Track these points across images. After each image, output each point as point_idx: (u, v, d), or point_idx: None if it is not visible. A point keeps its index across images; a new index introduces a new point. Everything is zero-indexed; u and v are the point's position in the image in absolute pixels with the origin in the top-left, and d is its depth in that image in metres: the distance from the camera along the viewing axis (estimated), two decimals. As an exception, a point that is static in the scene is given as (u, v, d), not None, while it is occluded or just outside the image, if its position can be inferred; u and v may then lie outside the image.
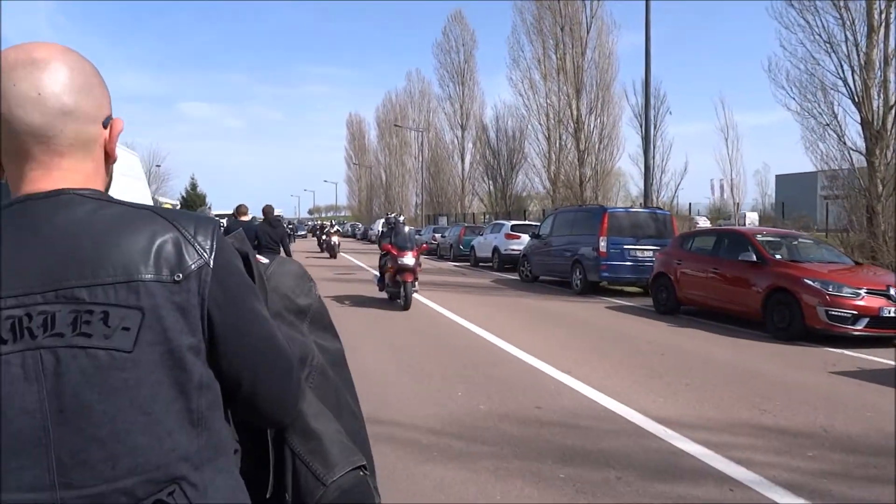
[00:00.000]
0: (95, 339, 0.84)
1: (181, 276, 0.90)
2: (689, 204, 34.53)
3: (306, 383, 1.14)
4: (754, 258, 9.65)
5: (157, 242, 0.90)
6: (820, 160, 16.37)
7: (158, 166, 66.13)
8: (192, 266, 0.91)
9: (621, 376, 6.76)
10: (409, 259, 11.17)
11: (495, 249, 22.22)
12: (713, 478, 4.06)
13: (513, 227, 22.21)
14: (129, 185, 8.81)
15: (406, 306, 11.23)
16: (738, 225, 31.34)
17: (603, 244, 14.11)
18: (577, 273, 14.90)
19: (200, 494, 0.89)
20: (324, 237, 30.97)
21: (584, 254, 14.70)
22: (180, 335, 0.88)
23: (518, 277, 18.50)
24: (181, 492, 0.88)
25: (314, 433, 1.12)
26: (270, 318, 1.03)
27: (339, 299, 12.63)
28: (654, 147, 26.22)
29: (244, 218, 10.53)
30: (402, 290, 11.27)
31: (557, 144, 32.74)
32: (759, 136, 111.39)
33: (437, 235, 31.35)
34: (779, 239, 10.56)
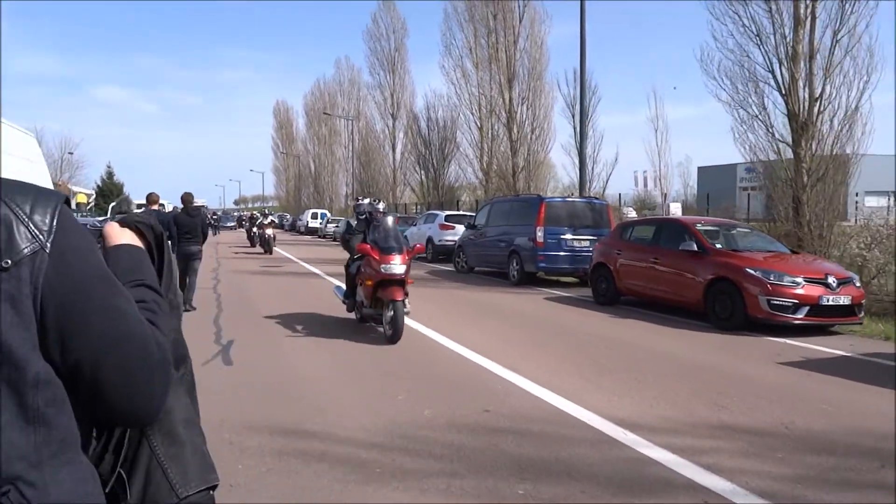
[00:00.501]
0: None
1: (9, 262, 0.83)
2: (619, 195, 34.99)
3: (180, 384, 1.11)
4: (695, 247, 9.53)
5: None
6: (749, 151, 16.63)
7: (71, 153, 62.49)
8: (25, 250, 0.84)
9: (570, 372, 6.41)
10: (397, 265, 7.76)
11: (429, 240, 21.75)
12: (685, 488, 3.70)
13: (447, 218, 21.80)
14: (25, 169, 7.81)
15: (394, 338, 7.58)
16: (665, 216, 31.98)
17: (540, 234, 13.85)
18: (514, 264, 14.61)
19: (40, 493, 0.84)
20: (255, 230, 27.50)
21: (521, 244, 14.41)
22: (11, 329, 0.82)
23: (453, 269, 18.09)
24: (17, 491, 0.83)
25: (179, 438, 1.08)
26: (128, 308, 0.94)
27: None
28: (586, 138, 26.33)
29: (154, 206, 10.49)
30: (387, 312, 7.70)
31: (490, 134, 32.54)
32: (681, 128, 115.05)
33: (369, 226, 30.60)
34: (717, 228, 10.52)
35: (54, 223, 0.86)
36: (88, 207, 59.10)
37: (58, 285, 0.85)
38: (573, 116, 27.07)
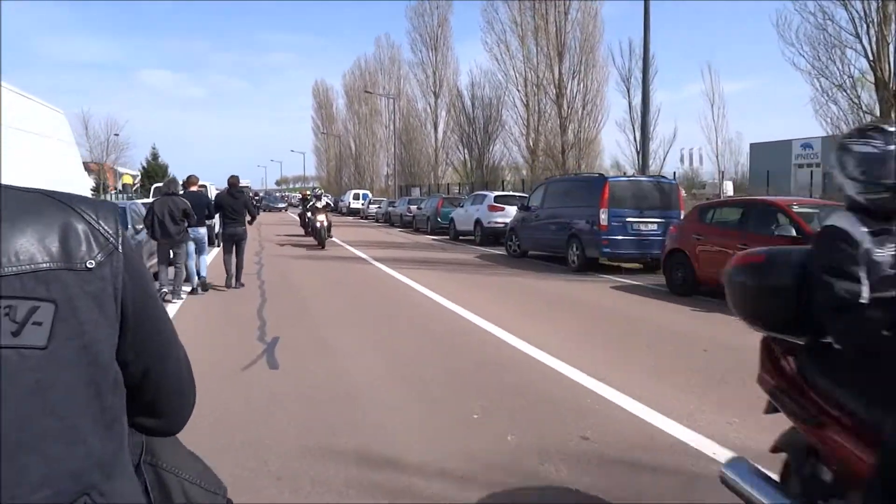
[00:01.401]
0: (2, 337, 0.73)
1: (94, 263, 0.82)
2: (674, 173, 33.45)
3: None
4: (794, 233, 8.40)
5: (62, 228, 0.81)
6: (830, 124, 15.22)
7: (117, 135, 63.08)
8: (103, 253, 0.84)
9: (672, 384, 5.45)
10: None
11: (477, 222, 20.82)
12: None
13: (496, 199, 20.79)
14: (54, 148, 7.16)
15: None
16: (719, 194, 30.38)
17: (604, 217, 12.78)
18: (574, 249, 13.58)
19: None
20: (308, 214, 20.46)
21: (582, 227, 13.37)
22: (96, 328, 0.81)
23: (505, 252, 17.14)
24: (91, 501, 0.79)
25: (194, 454, 1.10)
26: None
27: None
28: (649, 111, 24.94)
29: (193, 188, 10.80)
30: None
31: (537, 111, 31.32)
32: (731, 104, 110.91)
33: (413, 207, 29.81)
34: (814, 210, 9.32)
35: (119, 227, 0.87)
36: (134, 188, 59.79)
37: (132, 288, 0.86)
38: (628, 91, 25.80)
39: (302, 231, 23.83)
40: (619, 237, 12.82)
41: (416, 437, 4.19)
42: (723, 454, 3.89)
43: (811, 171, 36.82)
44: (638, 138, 24.98)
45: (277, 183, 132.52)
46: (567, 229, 13.86)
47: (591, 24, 28.38)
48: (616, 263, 14.21)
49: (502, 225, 19.80)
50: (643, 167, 15.65)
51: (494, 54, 33.07)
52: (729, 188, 37.91)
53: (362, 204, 45.55)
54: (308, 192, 25.95)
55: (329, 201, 20.97)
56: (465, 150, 41.56)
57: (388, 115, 61.37)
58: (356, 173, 70.38)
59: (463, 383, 5.41)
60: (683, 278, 10.17)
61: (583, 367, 5.90)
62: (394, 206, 34.63)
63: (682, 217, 13.23)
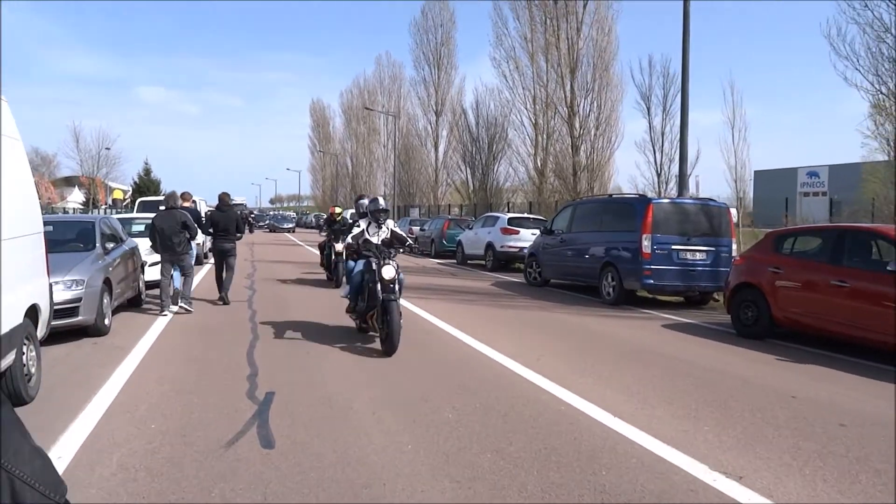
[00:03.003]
0: None
1: None
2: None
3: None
4: (913, 268, 6.82)
5: None
6: (888, 144, 13.76)
7: (108, 149, 61.54)
8: None
9: (782, 462, 3.82)
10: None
11: (489, 246, 19.22)
12: None
13: (510, 221, 19.22)
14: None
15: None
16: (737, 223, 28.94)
17: (647, 244, 11.21)
18: (609, 279, 11.98)
19: None
20: (335, 245, 13.14)
21: (619, 255, 11.79)
22: None
23: (523, 280, 15.53)
24: None
25: (38, 449, 0.94)
26: None
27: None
28: (662, 135, 23.58)
29: (187, 204, 10.99)
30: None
31: (546, 130, 29.92)
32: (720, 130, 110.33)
33: (415, 229, 28.21)
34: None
35: None
36: (125, 204, 58.04)
37: None
38: (648, 109, 24.42)
39: (322, 272, 15.41)
40: (664, 267, 11.24)
41: None
42: None
43: (829, 200, 35.66)
44: (658, 160, 23.60)
45: (272, 201, 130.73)
46: (600, 257, 12.28)
47: (606, 40, 27.10)
48: (654, 296, 12.62)
49: (516, 249, 18.26)
50: (680, 189, 14.12)
51: (503, 71, 31.79)
52: (733, 215, 36.54)
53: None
54: (338, 211, 14.39)
55: (399, 231, 8.73)
56: (468, 170, 40.10)
57: (387, 134, 60.07)
58: (353, 192, 68.82)
59: (505, 453, 3.76)
60: (755, 318, 8.57)
61: (656, 432, 4.27)
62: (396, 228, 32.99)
63: (732, 245, 11.72)
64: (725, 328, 9.33)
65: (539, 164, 30.76)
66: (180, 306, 9.87)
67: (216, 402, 5.32)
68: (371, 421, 4.88)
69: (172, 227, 9.67)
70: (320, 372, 6.41)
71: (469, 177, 40.16)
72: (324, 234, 15.29)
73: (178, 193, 10.95)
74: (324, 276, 14.87)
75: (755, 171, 59.53)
